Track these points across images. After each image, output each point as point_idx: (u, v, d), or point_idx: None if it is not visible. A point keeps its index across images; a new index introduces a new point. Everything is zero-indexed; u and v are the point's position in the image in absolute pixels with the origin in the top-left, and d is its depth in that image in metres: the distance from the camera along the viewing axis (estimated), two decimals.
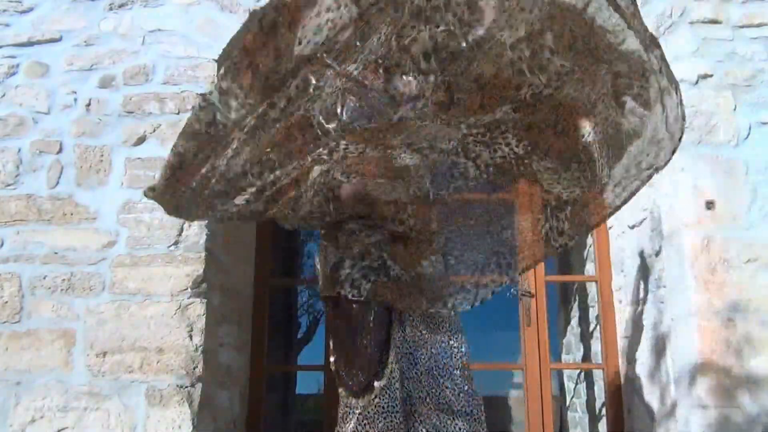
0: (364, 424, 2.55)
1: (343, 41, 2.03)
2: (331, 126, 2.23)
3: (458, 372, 2.75)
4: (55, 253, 4.10)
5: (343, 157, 2.42)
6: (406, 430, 2.62)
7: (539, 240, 2.82)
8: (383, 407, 2.57)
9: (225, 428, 4.36)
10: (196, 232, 4.07)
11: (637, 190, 2.59)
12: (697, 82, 4.05)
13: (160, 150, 4.20)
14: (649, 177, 2.56)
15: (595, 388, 6.25)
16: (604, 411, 5.17)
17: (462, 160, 2.64)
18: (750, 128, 3.98)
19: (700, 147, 3.97)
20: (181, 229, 4.07)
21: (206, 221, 4.07)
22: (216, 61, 4.32)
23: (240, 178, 2.32)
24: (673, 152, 2.51)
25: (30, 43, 4.45)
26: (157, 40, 4.39)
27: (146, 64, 4.36)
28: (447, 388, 2.73)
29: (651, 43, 2.35)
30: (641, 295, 4.55)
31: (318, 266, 2.77)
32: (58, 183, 4.21)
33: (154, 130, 4.25)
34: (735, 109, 4.00)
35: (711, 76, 4.05)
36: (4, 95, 4.39)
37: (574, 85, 2.34)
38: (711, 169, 3.94)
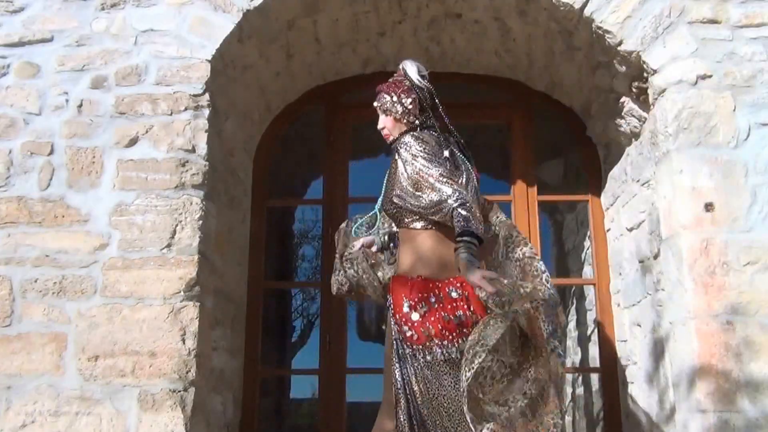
0: None
1: None
2: None
3: None
4: (47, 255, 4.05)
5: None
6: None
7: None
8: None
9: None
10: (189, 234, 4.04)
11: None
12: (696, 83, 4.01)
13: (153, 151, 4.17)
14: None
15: (593, 392, 6.23)
16: (601, 415, 5.13)
17: None
18: (749, 129, 3.95)
19: (699, 148, 3.94)
20: (174, 232, 4.03)
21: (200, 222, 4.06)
22: (209, 61, 4.29)
23: None
24: None
25: (21, 44, 4.40)
26: (149, 41, 4.35)
27: (138, 65, 4.31)
28: None
29: None
30: (639, 298, 4.52)
31: None
32: (49, 185, 4.16)
33: (147, 132, 4.20)
34: (734, 110, 3.97)
35: (710, 76, 4.02)
36: None
37: None
38: (710, 170, 3.91)
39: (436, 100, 3.54)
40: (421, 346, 3.17)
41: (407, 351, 3.19)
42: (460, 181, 3.34)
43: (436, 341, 3.14)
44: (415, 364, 3.17)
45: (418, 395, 3.15)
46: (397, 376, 3.20)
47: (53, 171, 4.19)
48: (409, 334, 3.19)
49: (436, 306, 3.18)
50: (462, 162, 3.49)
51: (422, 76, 3.55)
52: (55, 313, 3.97)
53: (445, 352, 3.14)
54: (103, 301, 3.97)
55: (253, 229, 5.17)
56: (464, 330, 3.12)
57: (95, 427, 3.80)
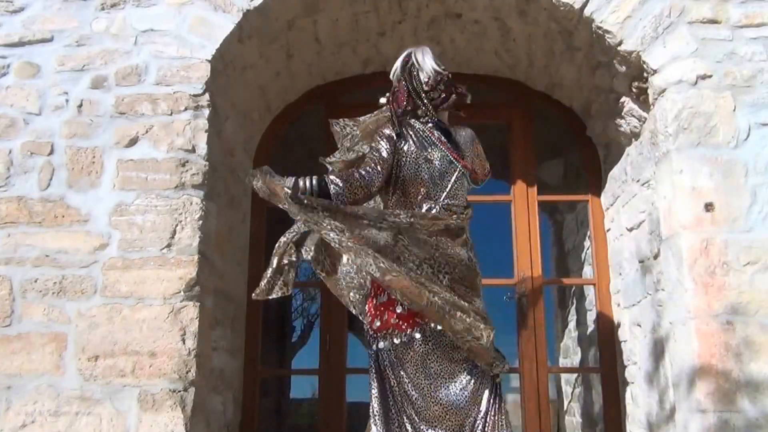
0: None
1: None
2: None
3: None
4: (47, 255, 4.05)
5: None
6: None
7: None
8: None
9: None
10: (189, 234, 4.04)
11: None
12: (696, 83, 4.01)
13: (153, 151, 4.17)
14: None
15: (593, 392, 6.23)
16: (602, 415, 5.14)
17: None
18: (749, 129, 3.95)
19: (699, 148, 3.94)
20: (174, 232, 4.03)
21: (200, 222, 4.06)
22: (209, 61, 4.29)
23: None
24: None
25: (21, 44, 4.40)
26: (149, 41, 4.35)
27: (138, 65, 4.31)
28: None
29: None
30: (639, 298, 4.52)
31: None
32: (49, 185, 4.16)
33: (147, 132, 4.20)
34: (734, 110, 3.97)
35: (710, 76, 4.02)
36: None
37: None
38: (710, 170, 3.90)
39: (411, 85, 3.54)
40: (380, 334, 3.33)
41: (373, 337, 3.37)
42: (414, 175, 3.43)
43: (391, 329, 3.29)
44: (382, 350, 3.32)
45: (385, 380, 3.29)
46: (371, 363, 3.35)
47: (53, 171, 4.18)
48: (370, 321, 3.39)
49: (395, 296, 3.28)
50: (440, 159, 3.47)
51: (406, 63, 3.57)
52: (55, 313, 3.97)
53: (402, 337, 3.27)
54: (103, 301, 3.97)
55: (253, 229, 5.17)
56: (417, 320, 3.25)
57: (95, 427, 3.80)
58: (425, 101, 3.51)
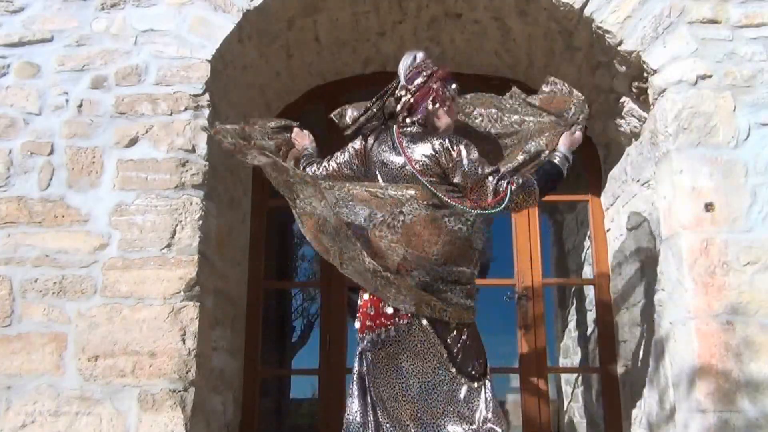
0: None
1: None
2: None
3: None
4: (47, 255, 4.05)
5: None
6: None
7: None
8: None
9: None
10: (189, 234, 4.04)
11: None
12: (696, 83, 4.01)
13: (153, 151, 4.17)
14: None
15: (593, 392, 6.22)
16: (602, 415, 5.13)
17: None
18: (749, 129, 3.95)
19: (699, 148, 3.94)
20: (174, 232, 4.04)
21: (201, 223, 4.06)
22: (209, 61, 4.29)
23: None
24: None
25: (21, 44, 4.41)
26: (149, 41, 4.35)
27: (138, 65, 4.31)
28: None
29: None
30: (639, 298, 4.52)
31: None
32: (49, 185, 4.17)
33: (147, 132, 4.20)
34: (734, 110, 3.97)
35: (710, 76, 4.02)
36: None
37: None
38: (710, 170, 3.90)
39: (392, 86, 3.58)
40: (361, 335, 3.35)
41: (360, 338, 3.38)
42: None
43: (367, 331, 3.32)
44: (362, 351, 3.36)
45: (363, 380, 3.35)
46: (355, 365, 3.40)
47: (53, 171, 4.19)
48: (356, 321, 3.41)
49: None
50: (392, 162, 3.45)
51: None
52: (55, 313, 3.97)
53: (375, 336, 3.29)
54: (103, 301, 3.97)
55: (253, 229, 5.17)
56: (383, 320, 3.27)
57: (95, 427, 3.80)
58: (396, 110, 3.53)
